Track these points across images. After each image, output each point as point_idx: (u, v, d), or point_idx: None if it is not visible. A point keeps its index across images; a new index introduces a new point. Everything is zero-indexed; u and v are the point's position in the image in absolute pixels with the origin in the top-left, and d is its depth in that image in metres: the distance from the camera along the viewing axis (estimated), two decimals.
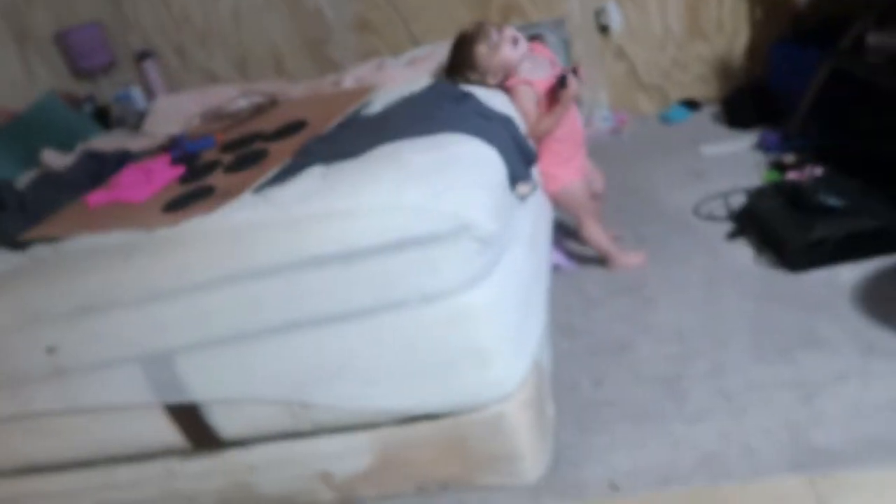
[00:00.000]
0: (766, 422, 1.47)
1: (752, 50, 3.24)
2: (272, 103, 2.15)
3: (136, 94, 3.29)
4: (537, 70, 2.06)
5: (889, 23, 2.26)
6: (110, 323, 1.40)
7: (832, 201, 1.96)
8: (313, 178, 1.49)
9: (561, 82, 1.98)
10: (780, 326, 1.72)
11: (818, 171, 2.25)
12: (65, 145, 2.39)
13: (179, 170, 1.75)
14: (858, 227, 1.87)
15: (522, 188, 1.65)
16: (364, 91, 2.08)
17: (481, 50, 2.00)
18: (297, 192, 1.44)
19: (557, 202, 2.10)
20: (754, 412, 1.51)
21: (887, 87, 2.13)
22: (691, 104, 3.30)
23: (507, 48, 2.00)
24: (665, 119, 3.28)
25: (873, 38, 2.25)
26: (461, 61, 2.04)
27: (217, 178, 1.64)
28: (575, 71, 2.02)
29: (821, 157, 2.38)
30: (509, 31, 2.03)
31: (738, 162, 2.62)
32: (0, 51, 2.93)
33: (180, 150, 1.90)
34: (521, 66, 2.03)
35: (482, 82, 2.01)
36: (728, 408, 1.54)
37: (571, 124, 2.09)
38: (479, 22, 2.09)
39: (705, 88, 3.35)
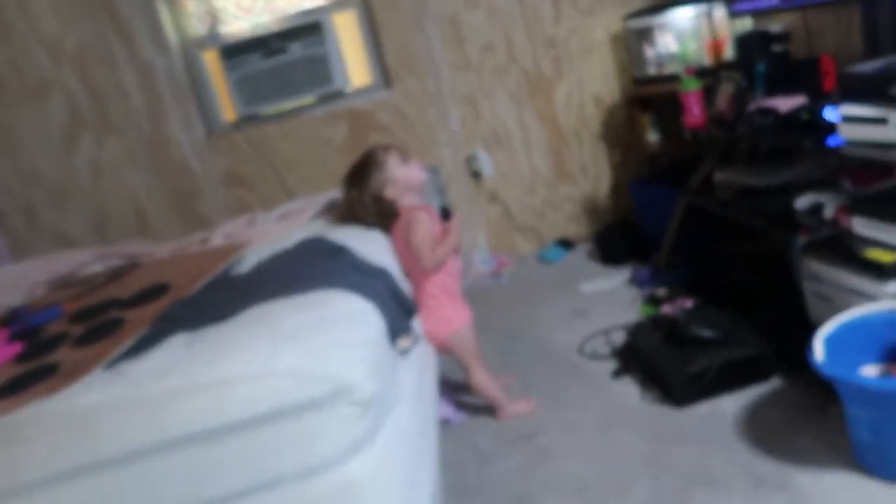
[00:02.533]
0: None
1: (616, 190, 3.47)
2: (132, 266, 2.03)
3: None
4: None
5: (730, 161, 2.48)
6: None
7: (706, 333, 2.03)
8: (175, 348, 1.40)
9: (444, 214, 2.09)
10: (675, 466, 1.70)
11: (689, 302, 2.34)
12: None
13: (17, 347, 1.59)
14: (732, 357, 1.93)
15: (403, 342, 1.59)
16: (233, 249, 2.01)
17: (393, 157, 2.08)
18: (155, 365, 1.33)
19: (447, 348, 2.04)
20: None
21: (736, 220, 2.30)
22: (566, 243, 3.44)
23: (416, 166, 2.11)
24: (543, 259, 3.39)
25: (719, 176, 2.46)
26: (368, 163, 2.08)
27: (63, 354, 1.50)
28: (448, 213, 2.11)
29: (690, 288, 2.50)
30: (416, 161, 2.15)
31: (615, 298, 2.71)
32: None
33: (20, 324, 1.72)
34: (412, 197, 2.09)
35: (378, 193, 2.05)
36: None
37: (455, 262, 2.13)
38: None
39: (578, 227, 3.52)
